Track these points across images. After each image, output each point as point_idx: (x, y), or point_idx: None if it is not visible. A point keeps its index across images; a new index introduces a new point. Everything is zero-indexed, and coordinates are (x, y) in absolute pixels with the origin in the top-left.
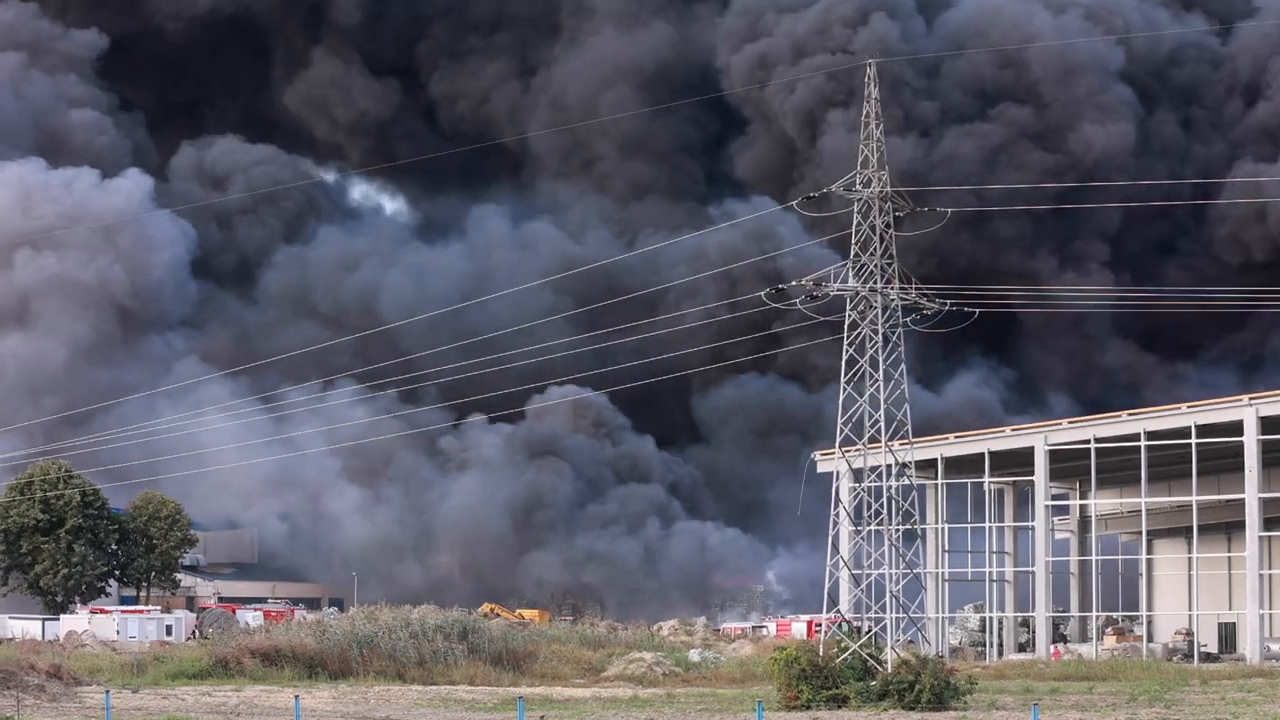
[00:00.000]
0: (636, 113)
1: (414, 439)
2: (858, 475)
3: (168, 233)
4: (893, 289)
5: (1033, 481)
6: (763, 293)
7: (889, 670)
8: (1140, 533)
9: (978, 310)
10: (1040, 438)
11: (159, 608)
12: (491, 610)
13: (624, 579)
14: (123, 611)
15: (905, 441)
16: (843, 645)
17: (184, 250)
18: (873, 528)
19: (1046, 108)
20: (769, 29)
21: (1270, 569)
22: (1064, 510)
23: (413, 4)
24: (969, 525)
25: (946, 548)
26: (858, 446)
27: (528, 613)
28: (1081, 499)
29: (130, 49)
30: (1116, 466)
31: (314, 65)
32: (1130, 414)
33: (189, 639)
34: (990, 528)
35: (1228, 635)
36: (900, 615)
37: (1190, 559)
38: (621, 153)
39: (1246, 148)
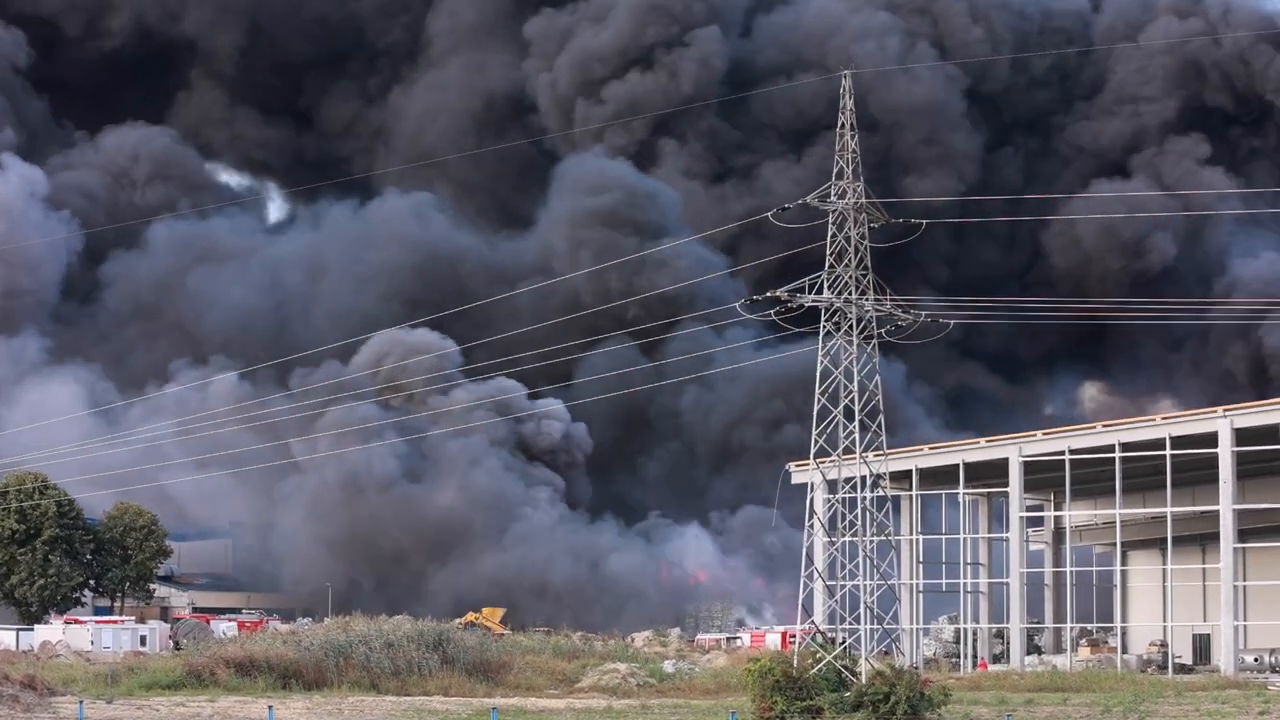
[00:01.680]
0: (476, 151)
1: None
2: (832, 486)
3: (54, 234)
4: (867, 300)
5: (1007, 493)
6: (738, 304)
7: (863, 681)
8: (1115, 544)
9: (952, 322)
10: (1015, 449)
11: (133, 618)
12: (475, 620)
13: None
14: (97, 622)
15: (880, 453)
16: (817, 656)
17: (61, 266)
18: (847, 539)
19: (882, 147)
20: (573, 49)
21: (1244, 580)
22: (1038, 522)
23: (286, 44)
24: (944, 536)
25: (921, 559)
26: (832, 458)
27: (489, 611)
28: (1056, 510)
29: (58, 69)
30: (1091, 478)
31: (197, 99)
32: (1105, 425)
33: (164, 650)
34: (965, 539)
35: (1202, 647)
36: (875, 626)
37: (1165, 570)
38: (463, 192)
39: (1086, 164)
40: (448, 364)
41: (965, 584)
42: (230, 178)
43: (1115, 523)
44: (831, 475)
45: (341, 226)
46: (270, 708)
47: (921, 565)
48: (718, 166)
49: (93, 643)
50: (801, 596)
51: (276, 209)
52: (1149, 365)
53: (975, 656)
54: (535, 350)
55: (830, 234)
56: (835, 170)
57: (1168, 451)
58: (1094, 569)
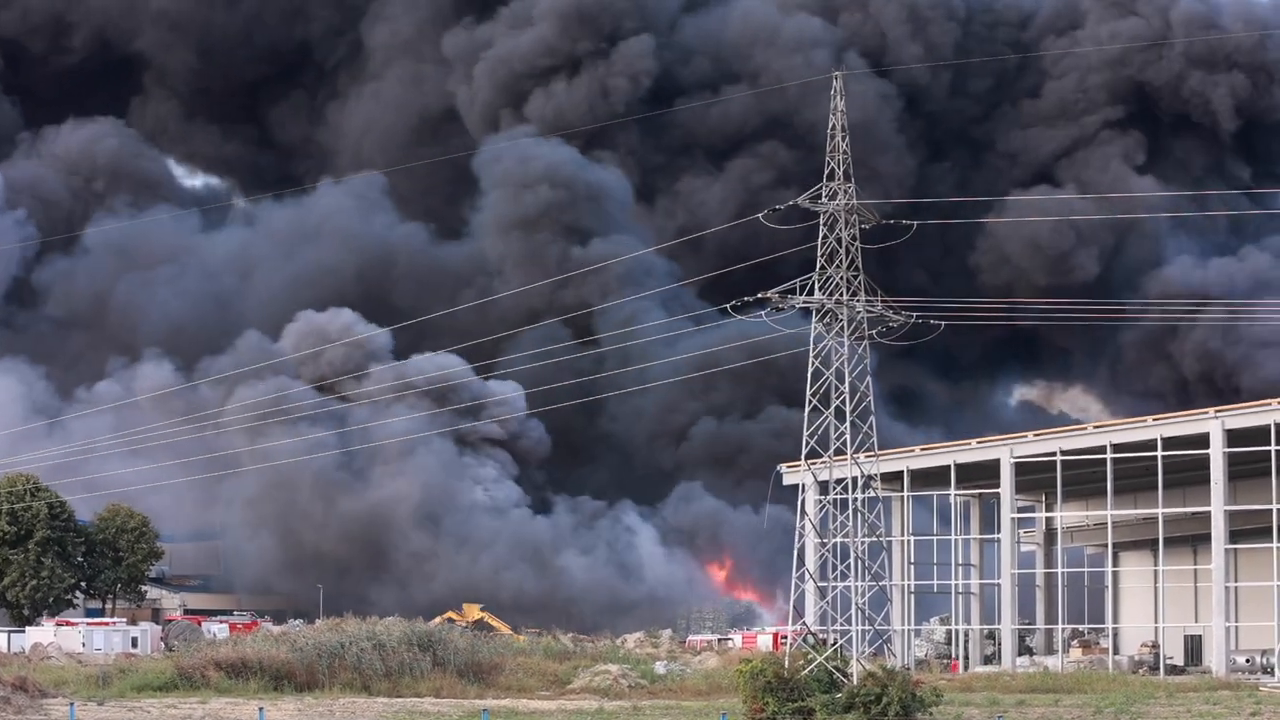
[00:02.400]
0: (409, 165)
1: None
2: (823, 487)
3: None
4: (859, 301)
5: (998, 494)
6: (729, 305)
7: (855, 682)
8: (1106, 545)
9: (943, 324)
10: (1006, 450)
11: (125, 620)
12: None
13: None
14: (88, 624)
15: (871, 454)
16: (809, 657)
17: (12, 269)
18: (839, 540)
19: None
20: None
21: (1236, 581)
22: (1030, 523)
23: (237, 62)
24: (935, 537)
25: (912, 560)
26: (823, 459)
27: (468, 607)
28: (1047, 511)
29: (22, 80)
30: (1082, 479)
31: (153, 108)
32: (1096, 426)
33: (155, 651)
34: (956, 540)
35: (1194, 648)
36: (866, 627)
37: (1156, 571)
38: (401, 204)
39: (1021, 176)
40: (381, 352)
41: (956, 585)
42: (193, 180)
43: (1107, 524)
44: (823, 476)
45: (280, 225)
46: (260, 709)
47: (913, 566)
48: (640, 181)
49: (84, 644)
50: (793, 598)
51: (228, 213)
52: (1084, 368)
53: (966, 657)
54: (478, 362)
55: (821, 235)
56: (826, 172)
57: (1159, 453)
58: (1085, 570)
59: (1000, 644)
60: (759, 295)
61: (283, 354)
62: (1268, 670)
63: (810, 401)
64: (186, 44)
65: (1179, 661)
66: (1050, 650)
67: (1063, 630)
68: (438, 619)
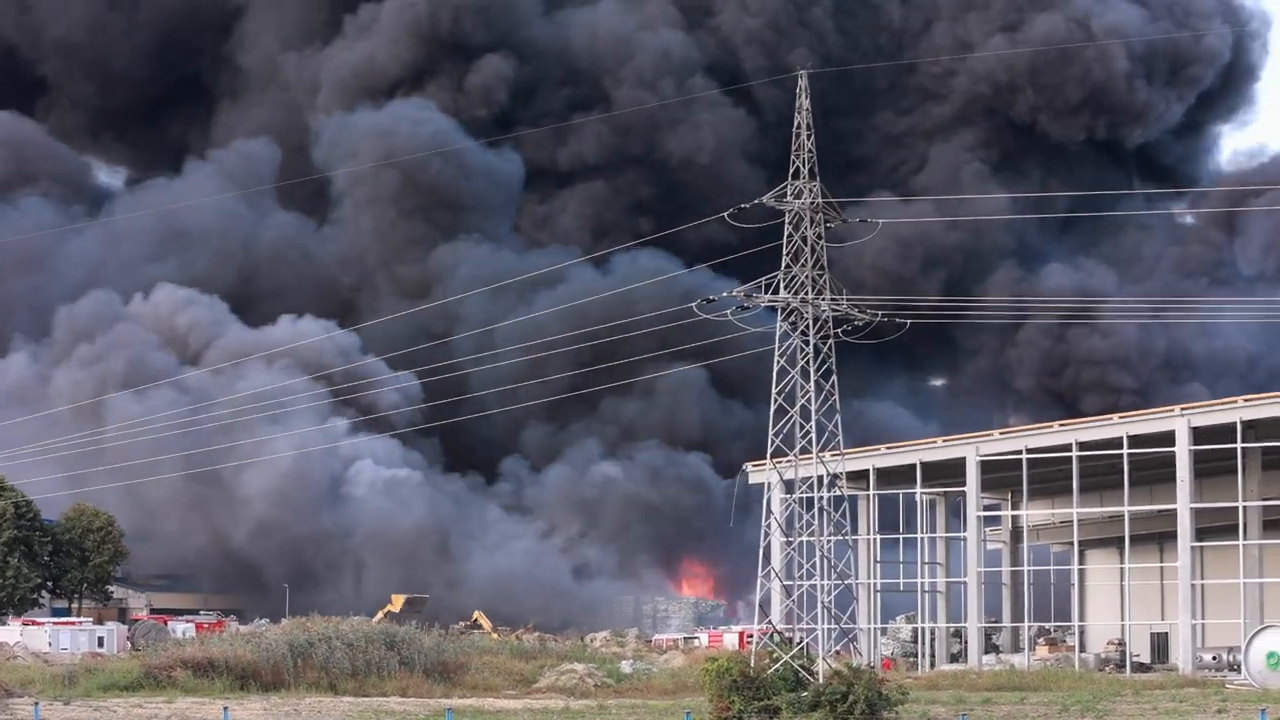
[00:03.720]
0: (284, 183)
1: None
2: (789, 486)
3: None
4: (824, 300)
5: (964, 492)
6: (694, 304)
7: (821, 681)
8: (1072, 543)
9: (909, 322)
10: (972, 449)
11: (91, 619)
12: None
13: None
14: (54, 623)
15: (837, 452)
16: (774, 656)
17: None
18: (804, 538)
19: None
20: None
21: (1202, 579)
22: (996, 521)
23: (136, 88)
24: (901, 536)
25: (878, 558)
26: (789, 457)
27: (397, 598)
28: (1013, 509)
29: None
30: (1048, 477)
31: (55, 118)
32: (1062, 425)
33: (121, 651)
34: (922, 538)
35: (1160, 645)
36: (832, 626)
37: (1122, 569)
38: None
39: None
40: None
41: (923, 583)
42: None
43: (1073, 522)
44: (788, 475)
45: (153, 221)
46: (225, 708)
47: (879, 565)
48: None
49: (50, 644)
50: (759, 596)
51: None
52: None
53: (932, 655)
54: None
55: (786, 234)
56: (791, 170)
57: (1125, 451)
58: (1051, 568)
59: (966, 642)
60: (725, 294)
61: (135, 315)
62: (1234, 667)
63: (776, 400)
64: (86, 71)
65: (1145, 659)
66: (1016, 648)
67: (1029, 628)
68: (380, 614)
